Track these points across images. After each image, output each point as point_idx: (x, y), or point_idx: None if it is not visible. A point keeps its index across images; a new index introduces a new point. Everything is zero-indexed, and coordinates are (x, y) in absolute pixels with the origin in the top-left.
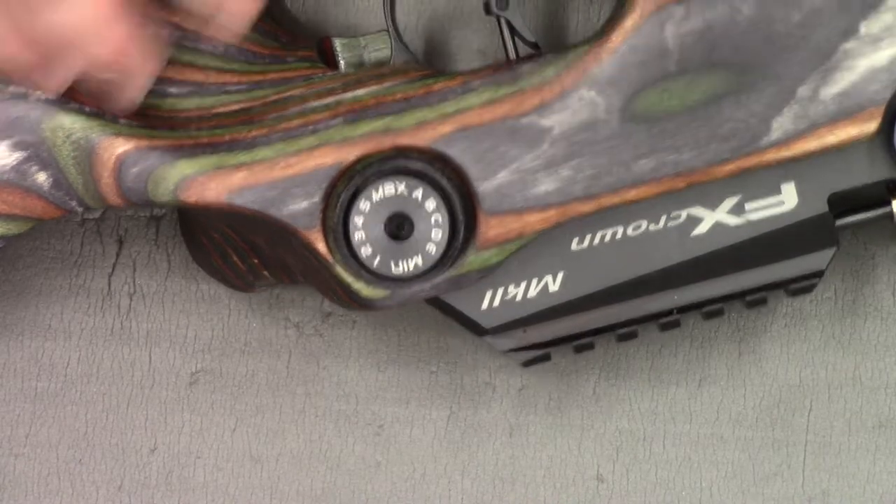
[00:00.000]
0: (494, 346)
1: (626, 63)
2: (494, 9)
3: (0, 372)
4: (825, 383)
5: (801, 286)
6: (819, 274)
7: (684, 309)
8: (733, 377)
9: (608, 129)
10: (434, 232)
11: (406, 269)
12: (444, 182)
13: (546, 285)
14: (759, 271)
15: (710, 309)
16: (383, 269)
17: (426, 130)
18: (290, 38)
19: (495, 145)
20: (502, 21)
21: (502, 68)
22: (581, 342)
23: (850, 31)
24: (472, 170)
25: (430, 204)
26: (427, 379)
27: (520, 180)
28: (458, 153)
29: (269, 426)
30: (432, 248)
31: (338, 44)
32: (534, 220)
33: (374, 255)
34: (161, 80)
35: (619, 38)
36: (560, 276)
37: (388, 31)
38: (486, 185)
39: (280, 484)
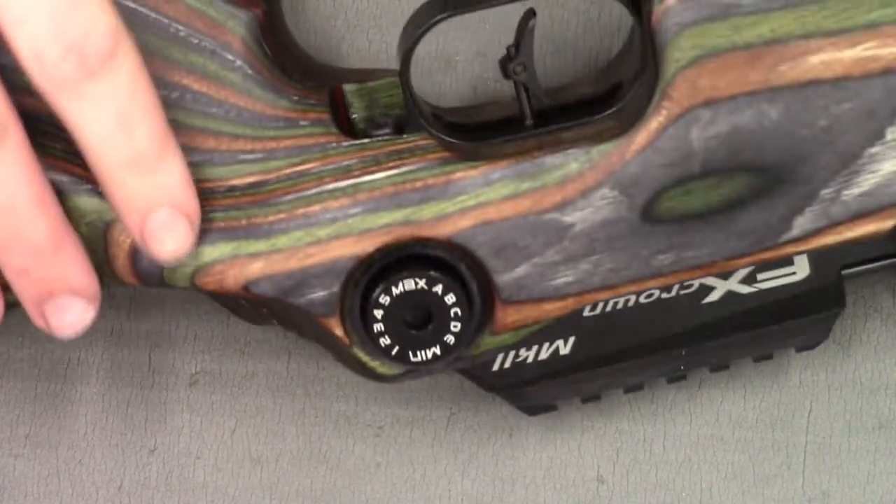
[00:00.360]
0: (503, 399)
1: (649, 164)
2: (512, 74)
3: (0, 372)
4: (825, 384)
5: (807, 344)
6: (826, 332)
7: (691, 364)
8: (733, 378)
9: (629, 227)
10: (453, 324)
11: (424, 358)
12: (464, 270)
13: (557, 348)
14: (768, 332)
15: (717, 364)
16: (401, 356)
17: (446, 224)
18: (301, 94)
19: (516, 240)
20: (519, 85)
21: (524, 159)
22: (588, 395)
23: (876, 136)
24: (492, 263)
25: (451, 298)
26: (427, 380)
27: (539, 273)
28: (477, 247)
29: (268, 427)
30: (450, 339)
31: (349, 92)
32: (551, 308)
33: (392, 345)
34: None
35: (643, 140)
36: (571, 340)
37: (402, 88)
38: (506, 277)
39: (280, 484)
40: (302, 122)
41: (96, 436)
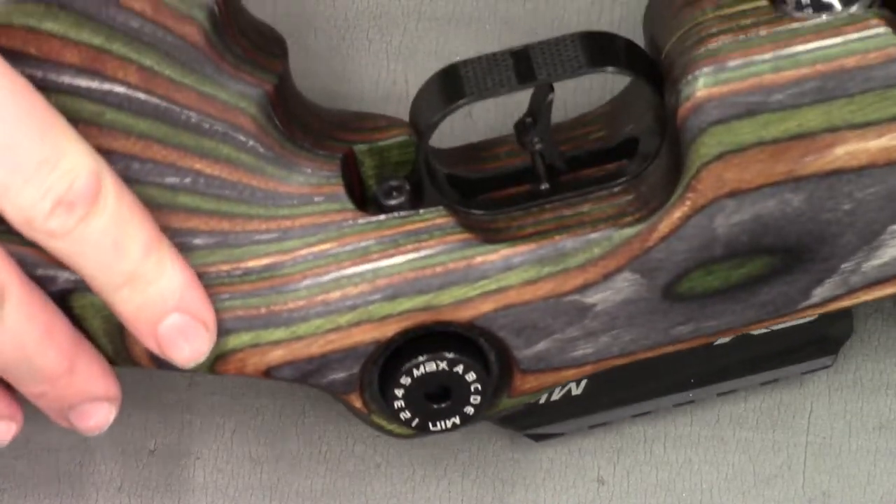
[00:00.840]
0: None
1: (672, 251)
2: (529, 146)
3: None
4: (825, 385)
5: (813, 368)
6: (833, 359)
7: (700, 394)
8: None
9: (649, 305)
10: (472, 398)
11: (443, 427)
12: (485, 349)
13: (569, 390)
14: (778, 363)
15: (726, 391)
16: (421, 427)
17: (467, 308)
18: (314, 165)
19: (536, 321)
20: (535, 154)
21: (545, 243)
22: (596, 423)
23: None
24: (513, 341)
25: (471, 376)
26: None
27: (559, 348)
28: (498, 328)
29: (269, 427)
30: (469, 410)
31: (360, 153)
32: (569, 374)
33: (412, 418)
34: (186, 232)
35: (666, 228)
36: (584, 382)
37: (417, 160)
38: (526, 353)
39: (280, 484)
40: (316, 199)
41: (96, 437)
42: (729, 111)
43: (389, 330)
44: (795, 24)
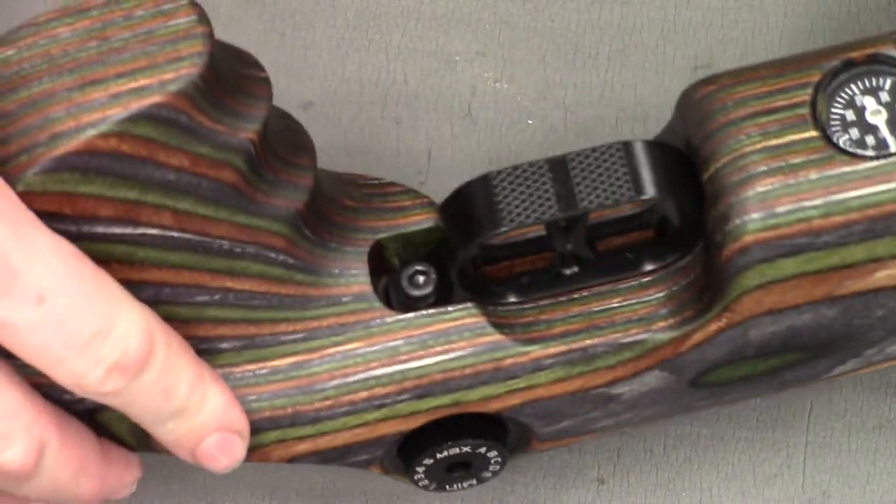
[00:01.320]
0: None
1: (703, 355)
2: (561, 248)
3: None
4: (825, 384)
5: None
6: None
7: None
8: None
9: (674, 393)
10: (492, 467)
11: (460, 487)
12: (506, 424)
13: None
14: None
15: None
16: (439, 489)
17: (494, 402)
18: (342, 265)
19: (562, 409)
20: (567, 254)
21: (575, 346)
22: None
23: None
24: (536, 424)
25: (493, 453)
26: None
27: (581, 424)
28: (524, 417)
29: None
30: (488, 475)
31: (386, 241)
32: (587, 439)
33: (430, 485)
34: (213, 339)
35: (700, 338)
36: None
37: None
38: (548, 430)
39: (280, 484)
40: (345, 299)
41: None
42: (775, 252)
43: (416, 422)
44: (847, 168)
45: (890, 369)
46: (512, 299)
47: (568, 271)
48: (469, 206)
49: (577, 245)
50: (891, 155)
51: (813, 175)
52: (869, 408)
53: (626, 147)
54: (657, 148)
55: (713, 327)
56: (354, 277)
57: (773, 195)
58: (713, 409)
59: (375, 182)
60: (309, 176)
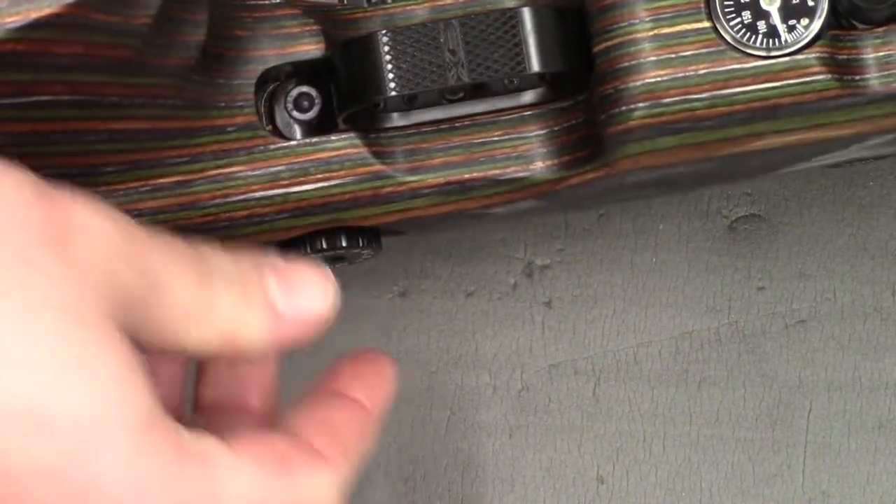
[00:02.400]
0: None
1: (577, 193)
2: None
3: None
4: (825, 384)
5: None
6: None
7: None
8: (733, 378)
9: (548, 211)
10: (365, 257)
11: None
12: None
13: None
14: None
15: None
16: None
17: (371, 220)
18: (228, 98)
19: (436, 224)
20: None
21: (453, 180)
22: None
23: (804, 161)
24: (412, 231)
25: (367, 251)
26: (427, 379)
27: (455, 227)
28: (400, 228)
29: None
30: (359, 260)
31: (275, 70)
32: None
33: None
34: (98, 165)
35: (576, 181)
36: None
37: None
38: (420, 233)
39: None
40: (229, 129)
41: None
42: (657, 132)
43: (294, 234)
44: (736, 66)
45: (890, 369)
46: (394, 121)
47: (452, 97)
48: (356, 64)
49: (463, 88)
50: (780, 55)
51: (702, 70)
52: (869, 408)
53: (518, 15)
54: (549, 16)
55: (590, 176)
56: (240, 109)
57: (661, 87)
58: (711, 407)
59: (267, 3)
60: (201, 32)
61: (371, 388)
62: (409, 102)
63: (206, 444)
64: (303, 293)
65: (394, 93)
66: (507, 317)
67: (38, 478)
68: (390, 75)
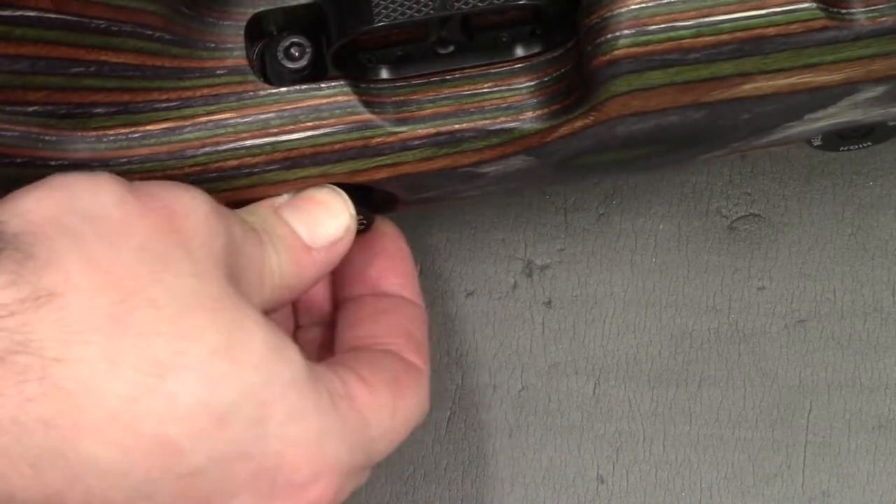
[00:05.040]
0: None
1: (568, 146)
2: (434, 34)
3: None
4: (825, 384)
5: None
6: None
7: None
8: (733, 378)
9: (540, 172)
10: (359, 226)
11: None
12: (373, 192)
13: None
14: None
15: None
16: None
17: (360, 176)
18: (218, 39)
19: (427, 183)
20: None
21: (444, 130)
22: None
23: (794, 118)
24: (402, 194)
25: (359, 215)
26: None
27: (446, 194)
28: (390, 188)
29: None
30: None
31: (266, 13)
32: (449, 202)
33: None
34: (87, 104)
35: (566, 131)
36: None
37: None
38: (412, 198)
39: None
40: (219, 71)
41: None
42: (644, 65)
43: (283, 190)
44: None
45: (889, 368)
46: (384, 75)
47: (442, 51)
48: None
49: (451, 32)
50: None
51: None
52: (869, 408)
53: None
54: None
55: (579, 123)
56: (230, 51)
57: (647, 13)
58: (711, 407)
59: None
60: None
61: (406, 278)
62: (399, 60)
63: (350, 386)
64: (323, 221)
65: (380, 22)
66: (507, 317)
67: (223, 466)
68: (377, 3)
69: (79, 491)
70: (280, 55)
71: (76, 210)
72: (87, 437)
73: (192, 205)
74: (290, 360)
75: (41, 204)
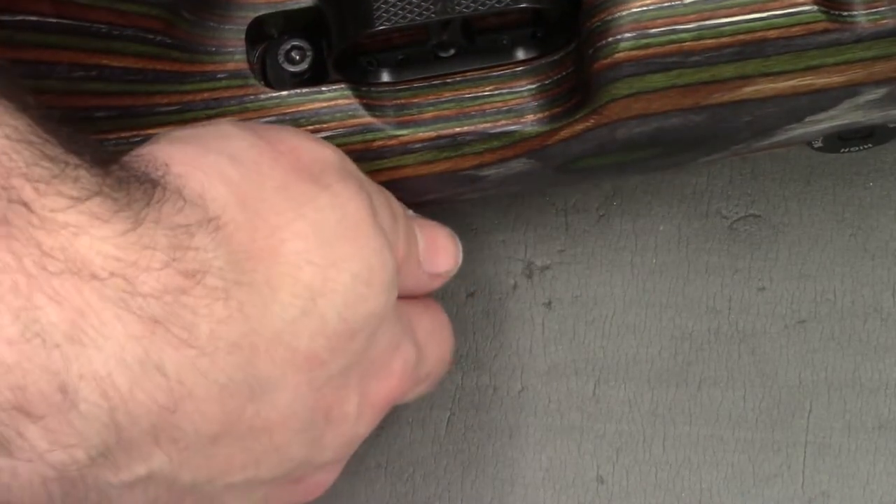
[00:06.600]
0: None
1: (569, 149)
2: (435, 37)
3: None
4: (825, 384)
5: None
6: None
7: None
8: (733, 379)
9: (540, 175)
10: None
11: None
12: None
13: None
14: None
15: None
16: None
17: None
18: (219, 43)
19: (427, 187)
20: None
21: (445, 133)
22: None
23: (795, 120)
24: (404, 196)
25: None
26: None
27: (447, 197)
28: (391, 190)
29: None
30: None
31: (267, 16)
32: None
33: None
34: (89, 109)
35: (567, 134)
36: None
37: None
38: (416, 201)
39: None
40: (220, 75)
41: None
42: (645, 68)
43: None
44: None
45: (889, 368)
46: (385, 79)
47: (443, 54)
48: (345, 1)
49: (452, 35)
50: None
51: None
52: (869, 408)
53: None
54: None
55: (580, 126)
56: (230, 55)
57: (648, 17)
58: (710, 408)
59: None
60: None
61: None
62: (400, 63)
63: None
64: (440, 256)
65: (381, 26)
66: (507, 317)
67: (346, 374)
68: (378, 7)
69: (248, 416)
70: (281, 59)
71: (214, 151)
72: (260, 359)
73: (321, 153)
74: (396, 284)
75: (175, 148)
